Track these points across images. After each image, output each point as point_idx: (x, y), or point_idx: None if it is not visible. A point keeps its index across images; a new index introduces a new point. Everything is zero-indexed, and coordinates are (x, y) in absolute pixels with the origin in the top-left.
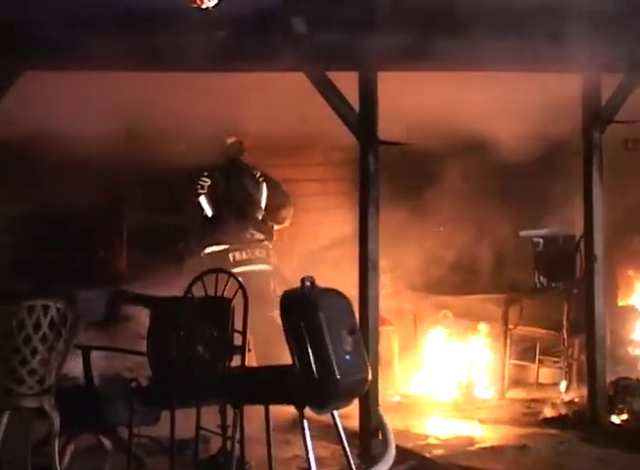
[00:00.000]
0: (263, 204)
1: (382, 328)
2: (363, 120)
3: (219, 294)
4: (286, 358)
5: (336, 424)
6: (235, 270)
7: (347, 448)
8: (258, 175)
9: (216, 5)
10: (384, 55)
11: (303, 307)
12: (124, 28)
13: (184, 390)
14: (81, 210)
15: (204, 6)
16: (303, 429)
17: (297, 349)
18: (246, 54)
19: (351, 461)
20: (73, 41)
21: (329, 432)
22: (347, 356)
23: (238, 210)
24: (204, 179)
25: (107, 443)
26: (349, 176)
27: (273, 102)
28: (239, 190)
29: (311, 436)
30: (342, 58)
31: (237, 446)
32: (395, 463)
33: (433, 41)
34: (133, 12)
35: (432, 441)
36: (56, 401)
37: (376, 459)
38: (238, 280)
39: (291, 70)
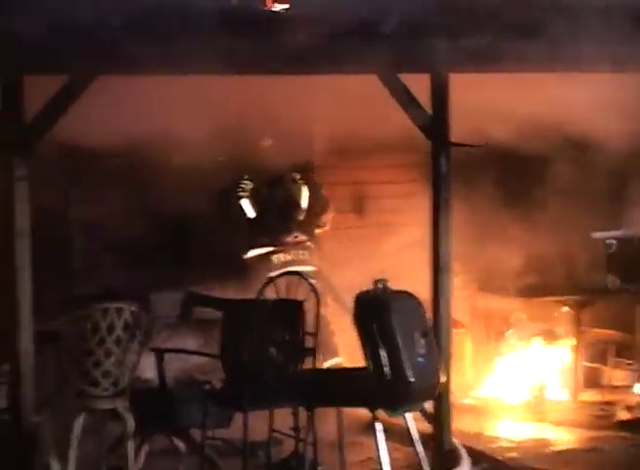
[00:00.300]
0: (305, 206)
1: (454, 330)
2: (435, 122)
3: (291, 296)
4: None
5: (408, 426)
6: (276, 273)
7: (421, 451)
8: (299, 178)
9: (287, 9)
10: (456, 57)
11: (376, 310)
12: (204, 31)
13: (257, 392)
14: (159, 212)
15: (275, 9)
16: (376, 431)
17: (369, 351)
18: (319, 56)
19: (424, 464)
20: (148, 45)
21: (402, 434)
22: (420, 359)
23: (280, 212)
24: (245, 182)
25: (180, 444)
26: (421, 178)
27: (345, 104)
28: (281, 192)
29: (384, 438)
30: (414, 60)
31: (309, 448)
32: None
33: (505, 42)
34: (213, 15)
35: (504, 443)
36: (130, 403)
37: (450, 463)
38: (310, 282)
39: (363, 73)
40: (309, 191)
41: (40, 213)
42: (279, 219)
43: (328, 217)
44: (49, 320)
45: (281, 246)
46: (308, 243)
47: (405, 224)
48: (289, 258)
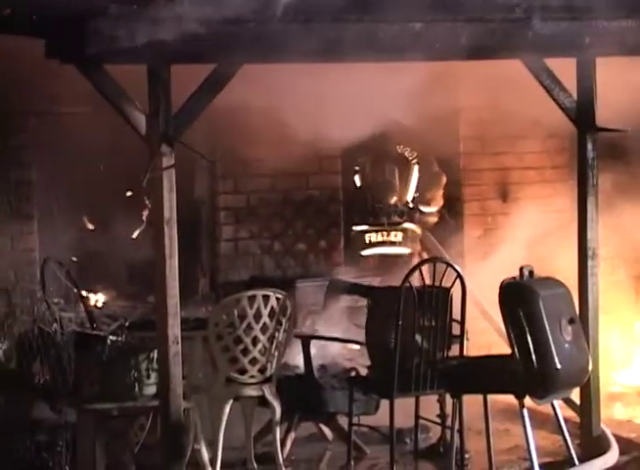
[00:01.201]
0: (412, 188)
1: (601, 316)
2: (581, 107)
3: (437, 283)
4: None
5: (556, 414)
6: (367, 252)
7: (568, 438)
8: (412, 158)
9: None
10: (601, 41)
11: (522, 296)
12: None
13: (403, 379)
14: (299, 200)
15: None
16: (524, 418)
17: (516, 338)
18: (464, 42)
19: (573, 451)
20: (290, 35)
21: (549, 421)
22: (567, 345)
23: (376, 193)
24: (359, 160)
25: (327, 431)
26: (567, 164)
27: (490, 90)
28: (379, 175)
29: (531, 425)
30: (560, 45)
31: (456, 435)
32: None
33: None
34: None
35: None
36: (277, 390)
37: (598, 450)
38: (455, 269)
39: (509, 58)
40: (420, 170)
41: (190, 202)
42: (374, 200)
43: (433, 195)
44: (197, 308)
45: (375, 226)
46: (405, 225)
47: (550, 210)
48: (380, 238)
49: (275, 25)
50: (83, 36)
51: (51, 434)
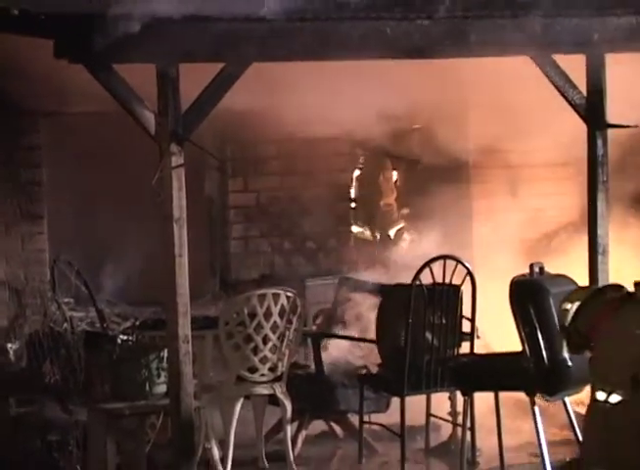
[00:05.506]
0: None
1: None
2: (591, 104)
3: (447, 280)
4: None
5: (567, 411)
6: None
7: (580, 436)
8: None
9: None
10: (611, 36)
11: (533, 293)
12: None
13: (413, 377)
14: (309, 198)
15: None
16: (535, 416)
17: (527, 335)
18: (473, 38)
19: None
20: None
21: (560, 419)
22: None
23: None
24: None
25: (338, 429)
26: (576, 161)
27: (498, 86)
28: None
29: (542, 423)
30: (570, 41)
31: (467, 433)
32: None
33: None
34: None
35: None
36: (288, 389)
37: None
38: (465, 266)
39: (518, 55)
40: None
41: (200, 201)
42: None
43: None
44: (208, 306)
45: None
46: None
47: (560, 207)
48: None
49: (283, 24)
50: (91, 35)
51: (62, 433)
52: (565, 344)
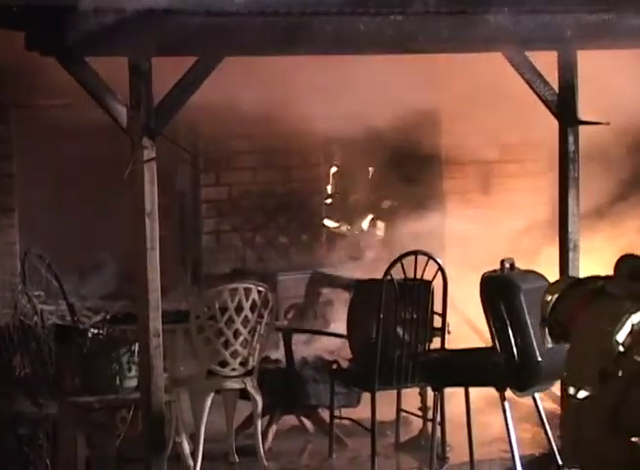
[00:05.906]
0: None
1: None
2: (562, 100)
3: (418, 276)
4: None
5: (537, 406)
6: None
7: (549, 431)
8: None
9: None
10: (583, 33)
11: (504, 289)
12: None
13: (384, 372)
14: (282, 193)
15: None
16: (505, 411)
17: (497, 331)
18: (446, 34)
19: (553, 444)
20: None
21: (530, 414)
22: None
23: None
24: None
25: (309, 424)
26: (547, 157)
27: (471, 82)
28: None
29: (512, 418)
30: (542, 37)
31: (437, 428)
32: None
33: (626, 18)
34: None
35: None
36: (258, 383)
37: None
38: (437, 261)
39: (490, 51)
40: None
41: (171, 195)
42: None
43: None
44: (179, 300)
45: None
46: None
47: (532, 204)
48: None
49: (256, 18)
50: (63, 28)
51: (32, 427)
52: (547, 334)
